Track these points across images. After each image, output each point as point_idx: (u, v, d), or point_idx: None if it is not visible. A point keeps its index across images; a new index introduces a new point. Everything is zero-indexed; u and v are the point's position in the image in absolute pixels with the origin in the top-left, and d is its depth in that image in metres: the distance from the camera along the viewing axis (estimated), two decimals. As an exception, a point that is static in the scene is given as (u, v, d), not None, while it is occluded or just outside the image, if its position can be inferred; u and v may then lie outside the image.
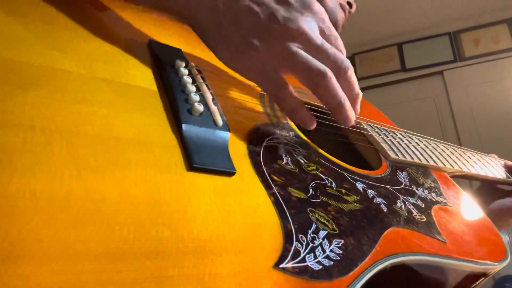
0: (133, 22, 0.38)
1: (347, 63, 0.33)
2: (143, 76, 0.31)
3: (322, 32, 0.34)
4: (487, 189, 0.73)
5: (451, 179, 0.55)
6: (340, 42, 0.36)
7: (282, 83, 0.33)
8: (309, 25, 0.33)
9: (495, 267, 0.39)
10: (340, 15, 0.64)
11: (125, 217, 0.20)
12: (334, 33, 0.35)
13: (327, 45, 0.33)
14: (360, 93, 0.36)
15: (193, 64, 0.36)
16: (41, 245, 0.17)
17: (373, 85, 2.85)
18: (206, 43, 0.34)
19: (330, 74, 0.32)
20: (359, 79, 2.65)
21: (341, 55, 0.33)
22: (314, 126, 0.35)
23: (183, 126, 0.28)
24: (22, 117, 0.21)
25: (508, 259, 0.40)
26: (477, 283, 0.40)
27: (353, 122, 0.35)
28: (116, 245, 0.19)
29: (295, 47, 0.32)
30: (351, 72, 0.34)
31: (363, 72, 2.90)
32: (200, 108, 0.30)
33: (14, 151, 0.19)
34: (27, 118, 0.21)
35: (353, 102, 0.35)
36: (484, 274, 0.39)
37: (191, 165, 0.26)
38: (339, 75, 0.33)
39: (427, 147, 0.60)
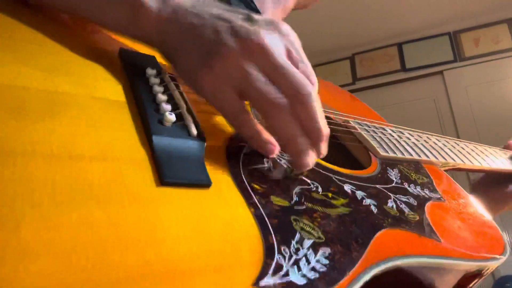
0: (105, 30, 0.36)
1: (310, 89, 0.29)
2: (111, 87, 0.30)
3: (290, 54, 0.31)
4: (491, 179, 0.71)
5: (445, 173, 0.54)
6: (309, 67, 0.32)
7: (237, 110, 0.30)
8: (273, 42, 0.30)
9: (494, 263, 0.38)
10: None
11: (83, 244, 0.18)
12: (305, 59, 0.32)
13: (289, 66, 0.30)
14: (324, 130, 0.31)
15: (167, 71, 0.34)
16: None
17: (373, 85, 2.84)
18: (169, 60, 0.33)
19: (283, 105, 0.29)
20: (359, 79, 2.63)
21: (304, 79, 0.30)
22: (274, 153, 0.32)
23: (153, 137, 0.26)
24: None
25: (507, 254, 0.39)
26: (475, 282, 0.39)
27: (308, 166, 0.31)
28: (73, 276, 0.17)
29: (252, 68, 0.29)
30: (313, 99, 0.29)
31: (363, 72, 2.89)
32: (172, 117, 0.28)
33: None
34: None
35: (314, 137, 0.31)
36: (480, 271, 0.38)
37: (162, 180, 0.24)
38: (297, 101, 0.29)
39: (418, 141, 0.58)
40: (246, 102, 0.31)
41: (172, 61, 0.32)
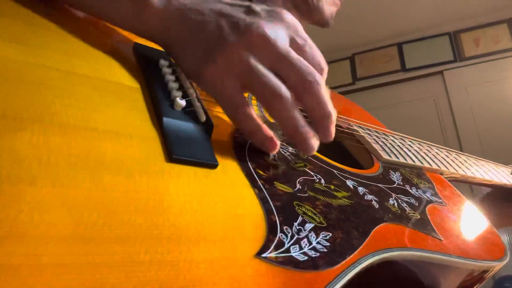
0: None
1: (315, 76, 0.30)
2: (125, 74, 0.31)
3: (294, 42, 0.31)
4: (499, 194, 0.72)
5: (447, 180, 0.54)
6: (316, 52, 0.32)
7: (239, 103, 0.30)
8: (275, 33, 0.30)
9: (494, 266, 0.38)
10: (333, 10, 0.62)
11: (95, 203, 0.20)
12: (310, 42, 0.32)
13: (293, 55, 0.30)
14: (332, 113, 0.31)
15: None
16: (1, 225, 0.16)
17: (373, 85, 2.85)
18: (173, 57, 0.33)
19: (284, 96, 0.29)
20: (359, 79, 2.64)
21: (308, 67, 0.30)
22: (275, 149, 0.32)
23: (164, 119, 0.27)
24: None
25: (508, 257, 0.40)
26: (476, 287, 0.39)
27: (313, 151, 0.31)
28: (84, 229, 0.18)
29: (254, 61, 0.29)
30: (319, 86, 0.30)
31: (363, 72, 2.90)
32: (182, 103, 0.29)
33: None
34: None
35: (321, 122, 0.31)
36: (482, 274, 0.38)
37: (171, 156, 0.25)
38: (304, 89, 0.30)
39: (420, 149, 0.60)
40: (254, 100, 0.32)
41: (175, 58, 0.33)
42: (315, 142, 0.31)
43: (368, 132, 0.56)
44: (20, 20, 0.29)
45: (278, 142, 0.32)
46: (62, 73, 0.26)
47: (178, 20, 0.31)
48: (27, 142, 0.20)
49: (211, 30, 0.30)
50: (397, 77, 2.80)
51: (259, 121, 0.31)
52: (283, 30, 0.31)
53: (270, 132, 0.32)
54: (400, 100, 2.75)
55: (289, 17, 0.32)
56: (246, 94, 0.32)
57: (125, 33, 0.37)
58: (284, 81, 0.30)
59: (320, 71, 0.32)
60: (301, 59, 0.30)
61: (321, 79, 0.30)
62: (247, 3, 0.32)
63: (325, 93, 0.30)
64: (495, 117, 2.43)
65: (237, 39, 0.29)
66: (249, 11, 0.31)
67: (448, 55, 2.66)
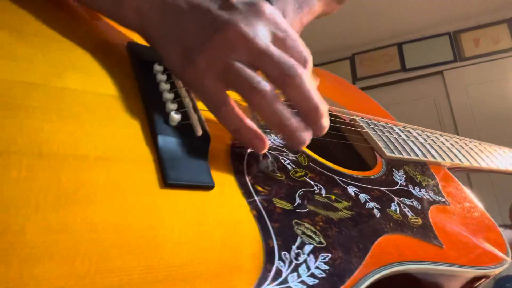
0: (113, 22, 0.36)
1: (296, 69, 0.29)
2: (119, 84, 0.30)
3: (275, 36, 0.30)
4: None
5: (451, 174, 0.53)
6: (298, 44, 0.31)
7: (221, 102, 0.29)
8: (253, 29, 0.29)
9: (495, 270, 0.38)
10: None
11: (86, 248, 0.18)
12: (292, 35, 0.31)
13: (272, 49, 0.29)
14: (320, 106, 0.30)
15: None
16: None
17: (373, 85, 2.84)
18: (157, 52, 0.33)
19: (263, 88, 0.28)
20: (359, 79, 2.61)
21: (289, 61, 0.29)
22: (263, 148, 0.31)
23: (159, 137, 0.26)
24: None
25: (510, 260, 0.39)
26: (478, 283, 0.39)
27: (303, 145, 0.30)
28: (75, 281, 0.17)
29: (232, 59, 0.28)
30: (301, 80, 0.29)
31: (363, 72, 2.89)
32: (177, 117, 0.28)
33: None
34: None
35: (312, 116, 0.30)
36: (485, 276, 0.38)
37: (166, 182, 0.24)
38: (285, 84, 0.29)
39: (426, 140, 0.58)
40: (238, 98, 0.31)
41: (159, 53, 0.32)
42: (304, 135, 0.30)
43: (373, 127, 0.55)
44: (6, 29, 0.27)
45: (268, 141, 0.31)
46: (52, 90, 0.25)
47: (155, 15, 0.31)
48: (15, 183, 0.19)
49: (189, 28, 0.30)
50: (397, 77, 2.80)
51: (245, 119, 0.30)
52: (262, 25, 0.30)
53: (256, 130, 0.31)
54: (400, 100, 2.75)
55: (268, 9, 0.31)
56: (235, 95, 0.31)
57: (119, 30, 0.36)
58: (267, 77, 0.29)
59: (304, 63, 0.31)
60: (281, 53, 0.29)
61: (303, 72, 0.29)
62: None
63: (309, 85, 0.29)
64: (495, 117, 2.43)
65: (214, 38, 0.28)
66: (226, 5, 0.30)
67: (448, 55, 2.66)
